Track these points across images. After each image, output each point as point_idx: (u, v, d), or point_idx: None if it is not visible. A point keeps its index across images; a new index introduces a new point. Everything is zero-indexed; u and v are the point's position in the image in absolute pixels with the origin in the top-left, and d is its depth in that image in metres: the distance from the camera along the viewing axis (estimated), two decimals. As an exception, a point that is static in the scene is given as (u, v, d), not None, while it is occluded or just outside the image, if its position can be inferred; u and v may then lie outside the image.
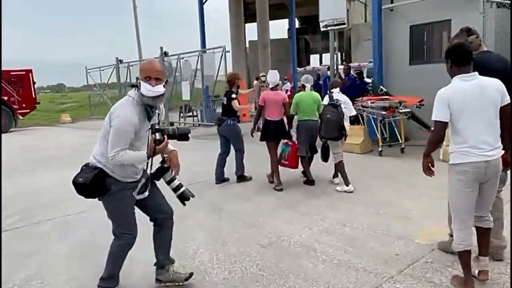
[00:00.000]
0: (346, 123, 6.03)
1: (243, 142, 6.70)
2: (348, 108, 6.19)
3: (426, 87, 8.63)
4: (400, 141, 8.18)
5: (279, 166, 6.33)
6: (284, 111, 6.23)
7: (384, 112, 7.77)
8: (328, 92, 6.36)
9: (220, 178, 6.76)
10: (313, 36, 41.99)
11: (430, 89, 8.89)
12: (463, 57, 2.91)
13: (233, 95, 6.50)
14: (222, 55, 12.96)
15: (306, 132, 6.22)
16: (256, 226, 4.65)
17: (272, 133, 6.20)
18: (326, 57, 46.24)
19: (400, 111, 7.76)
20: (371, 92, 9.33)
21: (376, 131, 8.33)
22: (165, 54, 15.24)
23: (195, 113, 16.34)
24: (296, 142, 6.36)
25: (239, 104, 6.75)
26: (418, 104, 7.61)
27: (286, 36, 40.57)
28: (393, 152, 8.24)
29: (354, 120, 9.76)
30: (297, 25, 39.29)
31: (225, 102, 6.60)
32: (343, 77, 10.24)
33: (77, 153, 10.82)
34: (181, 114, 16.31)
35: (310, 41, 42.36)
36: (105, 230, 3.33)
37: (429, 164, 3.16)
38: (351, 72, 10.46)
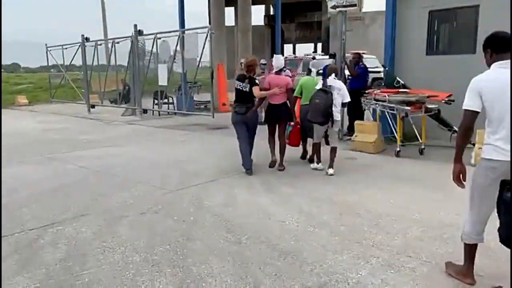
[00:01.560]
0: (336, 109, 6.04)
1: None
2: (341, 94, 6.13)
3: (444, 81, 7.77)
4: (420, 141, 7.23)
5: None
6: (288, 95, 6.36)
7: (408, 108, 6.77)
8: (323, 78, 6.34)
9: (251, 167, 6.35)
10: (287, 25, 40.95)
11: (448, 83, 8.14)
12: (502, 44, 2.87)
13: (257, 81, 6.36)
14: (206, 36, 11.60)
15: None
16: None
17: (275, 116, 6.40)
18: (300, 47, 45.49)
19: (429, 106, 6.79)
20: (383, 84, 8.34)
21: (394, 128, 7.35)
22: (140, 33, 13.68)
23: (170, 100, 14.89)
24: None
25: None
26: (447, 99, 6.66)
27: (262, 23, 39.41)
28: (410, 152, 7.30)
29: (356, 115, 8.79)
30: (271, 13, 38.13)
31: (246, 89, 6.24)
32: (352, 66, 9.18)
33: (39, 142, 9.24)
34: (155, 101, 14.83)
35: (284, 30, 41.25)
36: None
37: (460, 174, 2.95)
38: (362, 61, 9.39)
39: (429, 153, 7.24)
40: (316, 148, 6.37)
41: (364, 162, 6.93)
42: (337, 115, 6.11)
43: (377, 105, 7.60)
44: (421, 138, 7.23)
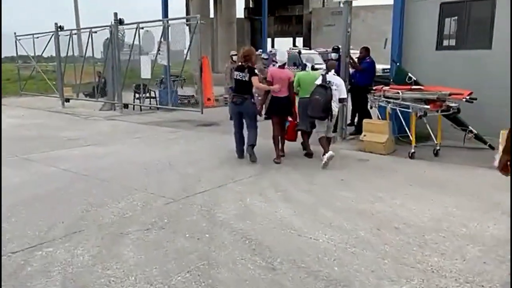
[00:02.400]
0: (335, 105, 6.23)
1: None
2: (339, 90, 6.31)
3: (456, 78, 7.33)
4: (436, 142, 6.77)
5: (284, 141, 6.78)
6: (289, 88, 6.43)
7: (427, 106, 6.28)
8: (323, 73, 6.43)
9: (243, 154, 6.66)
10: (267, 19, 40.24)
11: (460, 80, 7.70)
12: None
13: (256, 71, 6.41)
14: (195, 26, 10.82)
15: (306, 108, 6.33)
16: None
17: (276, 109, 6.44)
18: (279, 41, 44.82)
19: (451, 105, 6.31)
20: (391, 80, 7.86)
21: (407, 128, 6.86)
22: (120, 22, 12.73)
23: (153, 95, 14.03)
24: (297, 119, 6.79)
25: None
26: (468, 98, 6.19)
27: (241, 16, 38.55)
28: (422, 153, 6.80)
29: (363, 113, 8.29)
30: (251, 5, 37.38)
31: (245, 78, 6.29)
32: (355, 61, 8.65)
33: (10, 140, 8.27)
34: (136, 95, 13.94)
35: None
36: None
37: (507, 162, 2.81)
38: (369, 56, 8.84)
39: (443, 154, 6.78)
40: (322, 142, 6.29)
41: (377, 164, 6.41)
42: (335, 110, 6.29)
43: (387, 102, 7.09)
44: (436, 139, 6.76)
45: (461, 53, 7.49)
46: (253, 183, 5.47)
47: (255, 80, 6.24)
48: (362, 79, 8.30)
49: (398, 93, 6.75)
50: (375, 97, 7.52)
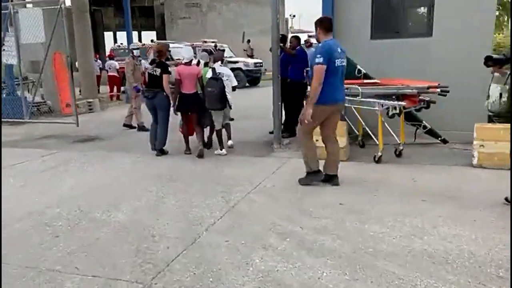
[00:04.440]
0: (230, 96, 6.48)
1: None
2: (230, 80, 6.57)
3: (395, 68, 6.76)
4: (399, 141, 6.04)
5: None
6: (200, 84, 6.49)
7: (402, 103, 5.44)
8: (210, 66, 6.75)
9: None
10: (105, 10, 36.32)
11: (400, 70, 7.07)
12: None
13: (169, 68, 6.55)
14: (58, 13, 8.21)
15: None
16: None
17: (183, 106, 6.45)
18: (121, 35, 40.98)
19: (426, 99, 5.55)
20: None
21: (368, 127, 5.98)
22: None
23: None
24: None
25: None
26: (439, 90, 5.53)
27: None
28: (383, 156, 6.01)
29: (296, 113, 7.20)
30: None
31: (157, 73, 6.49)
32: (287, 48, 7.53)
33: None
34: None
35: (103, 15, 36.59)
36: None
37: None
38: (301, 43, 7.78)
39: (404, 154, 6.11)
40: (218, 134, 6.61)
41: (352, 175, 5.34)
42: (230, 99, 6.50)
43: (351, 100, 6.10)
44: (399, 138, 6.04)
45: (400, 41, 6.95)
46: (231, 228, 3.82)
47: (165, 79, 6.40)
48: (295, 73, 7.17)
49: (357, 89, 5.80)
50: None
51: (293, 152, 6.40)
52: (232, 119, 7.34)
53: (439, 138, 6.46)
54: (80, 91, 14.73)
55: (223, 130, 6.74)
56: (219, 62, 6.71)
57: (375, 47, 7.05)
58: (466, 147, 6.41)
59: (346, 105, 6.12)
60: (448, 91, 5.52)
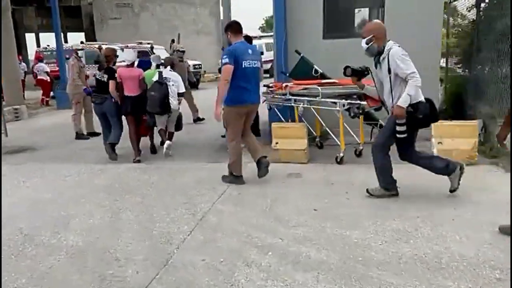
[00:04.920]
0: (175, 101, 6.48)
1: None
2: (177, 86, 6.52)
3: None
4: (359, 141, 6.00)
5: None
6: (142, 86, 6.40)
7: (363, 102, 5.37)
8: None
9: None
10: (26, 10, 33.73)
11: (351, 70, 7.17)
12: None
13: (116, 74, 6.32)
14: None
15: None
16: None
17: (125, 108, 6.33)
18: (45, 37, 38.28)
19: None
20: (287, 74, 6.74)
21: (328, 127, 5.87)
22: None
23: None
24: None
25: None
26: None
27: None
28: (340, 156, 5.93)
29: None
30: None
31: (104, 79, 6.42)
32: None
33: None
34: None
35: (23, 15, 34.03)
36: None
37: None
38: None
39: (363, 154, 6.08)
40: (161, 133, 6.66)
41: (319, 178, 5.18)
42: (174, 105, 6.45)
43: (299, 101, 5.97)
44: (359, 138, 6.00)
45: (352, 41, 6.90)
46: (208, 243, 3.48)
47: (112, 84, 6.23)
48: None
49: (317, 89, 5.67)
50: (276, 96, 6.31)
51: (250, 157, 6.11)
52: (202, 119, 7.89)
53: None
54: (3, 97, 13.38)
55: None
56: (169, 67, 6.71)
57: (328, 47, 6.99)
58: (419, 143, 6.56)
59: (305, 106, 6.03)
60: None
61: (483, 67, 7.04)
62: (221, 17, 32.72)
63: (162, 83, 6.29)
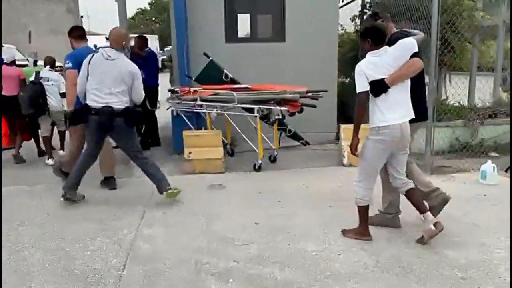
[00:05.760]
0: (55, 102, 6.15)
1: None
2: (57, 85, 6.22)
3: (250, 72, 6.73)
4: (273, 147, 5.90)
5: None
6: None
7: (284, 108, 5.24)
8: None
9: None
10: None
11: (253, 74, 7.02)
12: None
13: None
14: None
15: None
16: None
17: (7, 108, 6.11)
18: None
19: (308, 104, 5.44)
20: (193, 79, 6.32)
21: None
22: None
23: None
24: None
25: None
26: (311, 95, 5.54)
27: None
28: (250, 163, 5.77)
29: (154, 123, 6.49)
30: None
31: None
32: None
33: None
34: None
35: None
36: None
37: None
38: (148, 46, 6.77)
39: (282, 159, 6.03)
40: (46, 143, 6.29)
41: (241, 188, 4.93)
42: (53, 106, 6.12)
43: (212, 107, 5.64)
44: (273, 143, 5.91)
45: (254, 46, 6.83)
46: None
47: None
48: (150, 78, 6.29)
49: (232, 94, 5.40)
50: (184, 102, 5.87)
51: (163, 168, 5.49)
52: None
53: (301, 141, 6.60)
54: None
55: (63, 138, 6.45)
56: (48, 66, 6.43)
57: (231, 51, 6.77)
58: (324, 147, 6.81)
59: (218, 111, 5.72)
60: (321, 96, 5.62)
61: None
62: (80, 15, 30.09)
63: (36, 83, 5.99)
